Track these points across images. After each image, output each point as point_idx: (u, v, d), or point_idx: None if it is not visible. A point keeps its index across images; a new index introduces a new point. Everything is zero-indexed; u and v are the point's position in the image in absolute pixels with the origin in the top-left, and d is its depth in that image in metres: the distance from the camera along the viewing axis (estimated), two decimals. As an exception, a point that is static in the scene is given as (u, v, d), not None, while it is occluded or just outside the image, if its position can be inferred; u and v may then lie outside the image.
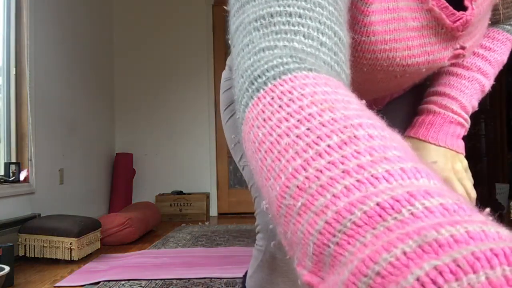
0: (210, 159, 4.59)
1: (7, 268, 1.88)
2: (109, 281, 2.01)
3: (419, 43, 0.61)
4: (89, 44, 3.91)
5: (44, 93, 3.00)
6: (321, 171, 0.26)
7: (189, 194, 4.35)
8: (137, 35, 4.62)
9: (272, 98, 0.33)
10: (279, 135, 0.30)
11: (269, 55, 0.37)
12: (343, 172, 0.26)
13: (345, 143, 0.27)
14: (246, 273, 0.86)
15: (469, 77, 0.76)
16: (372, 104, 0.82)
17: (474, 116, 3.19)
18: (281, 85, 0.33)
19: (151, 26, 4.63)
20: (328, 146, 0.27)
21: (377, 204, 0.23)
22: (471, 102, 0.76)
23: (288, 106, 0.31)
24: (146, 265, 2.29)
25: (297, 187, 0.27)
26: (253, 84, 0.35)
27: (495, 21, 0.77)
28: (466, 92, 0.76)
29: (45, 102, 3.03)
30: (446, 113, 0.75)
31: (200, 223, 3.93)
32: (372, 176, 0.25)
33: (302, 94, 0.31)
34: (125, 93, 4.59)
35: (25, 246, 2.48)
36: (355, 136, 0.28)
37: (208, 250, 2.69)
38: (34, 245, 2.48)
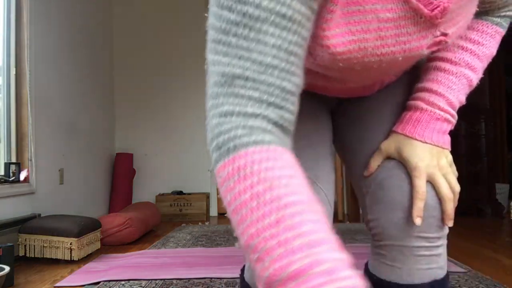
0: (210, 159, 4.58)
1: (7, 268, 1.88)
2: (109, 281, 2.01)
3: (394, 33, 0.61)
4: (89, 44, 3.91)
5: (44, 93, 3.00)
6: (264, 239, 0.45)
7: (189, 194, 4.35)
8: (137, 36, 4.62)
9: (233, 169, 0.49)
10: (240, 204, 0.47)
11: (228, 123, 0.50)
12: (277, 243, 0.44)
13: (278, 221, 0.44)
14: (244, 266, 0.89)
15: (456, 73, 0.77)
16: (362, 91, 0.83)
17: (474, 116, 3.22)
18: (238, 159, 0.49)
19: (151, 27, 4.63)
20: (269, 223, 0.45)
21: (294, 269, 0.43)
22: (458, 97, 0.77)
23: (244, 180, 0.47)
24: (146, 265, 2.29)
25: (253, 246, 0.46)
26: (219, 148, 0.51)
27: (485, 10, 0.77)
28: (453, 88, 0.76)
29: (45, 102, 3.03)
30: (433, 110, 0.76)
31: (200, 223, 3.93)
32: (291, 247, 0.43)
33: (251, 172, 0.47)
34: (125, 93, 4.59)
35: (25, 246, 2.48)
36: (283, 216, 0.45)
37: (208, 250, 2.69)
38: (34, 245, 2.48)
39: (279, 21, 0.49)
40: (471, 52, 0.77)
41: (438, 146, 0.76)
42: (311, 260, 0.42)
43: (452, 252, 2.54)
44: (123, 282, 1.98)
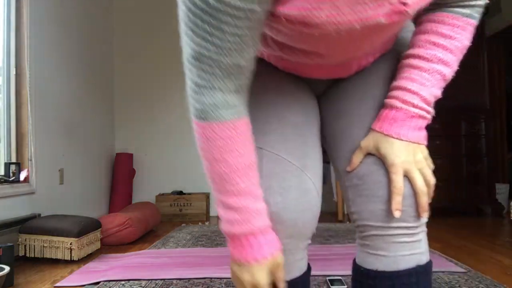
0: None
1: (7, 268, 1.88)
2: (109, 281, 2.00)
3: (349, 1, 0.63)
4: (89, 44, 3.91)
5: (44, 93, 3.00)
6: (219, 191, 0.76)
7: (189, 194, 4.35)
8: (137, 36, 4.62)
9: (203, 133, 0.73)
10: (204, 160, 0.76)
11: (199, 94, 0.70)
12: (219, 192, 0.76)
13: (230, 184, 0.74)
14: None
15: (429, 69, 0.79)
16: (341, 70, 0.87)
17: (474, 116, 3.22)
18: (206, 128, 0.71)
19: (151, 27, 4.63)
20: (217, 182, 0.76)
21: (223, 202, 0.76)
22: (433, 93, 0.80)
23: (209, 148, 0.73)
24: (146, 265, 2.29)
25: (216, 190, 0.77)
26: (194, 109, 0.72)
27: (453, 1, 0.79)
28: (427, 85, 0.79)
29: (45, 102, 3.03)
30: (407, 108, 0.78)
31: (200, 223, 3.93)
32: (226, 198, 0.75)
33: (218, 148, 0.72)
34: (125, 93, 4.59)
35: (25, 246, 2.48)
36: (235, 182, 0.74)
37: (208, 250, 2.69)
38: (34, 245, 2.48)
39: (234, 12, 0.60)
40: (443, 47, 0.79)
41: (414, 142, 0.78)
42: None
43: (452, 252, 2.53)
44: (123, 282, 1.98)
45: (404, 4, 0.67)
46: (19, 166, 2.76)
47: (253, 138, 0.75)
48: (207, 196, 4.39)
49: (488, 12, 4.30)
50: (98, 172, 4.02)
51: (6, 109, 2.76)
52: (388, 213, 0.79)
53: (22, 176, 2.76)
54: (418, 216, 0.80)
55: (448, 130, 4.04)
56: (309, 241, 0.86)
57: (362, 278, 0.85)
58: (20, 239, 2.48)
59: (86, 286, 1.96)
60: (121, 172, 4.25)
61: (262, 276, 0.74)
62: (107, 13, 4.48)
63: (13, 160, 2.77)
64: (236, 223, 0.74)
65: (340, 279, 1.90)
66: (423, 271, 0.82)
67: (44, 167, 2.95)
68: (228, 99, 0.69)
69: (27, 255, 2.47)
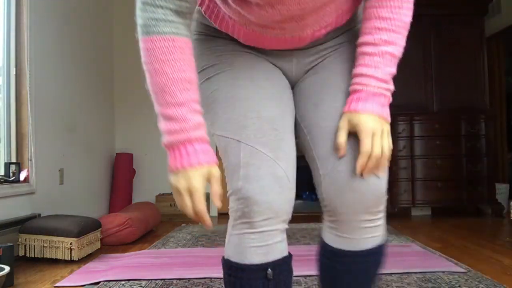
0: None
1: (7, 268, 1.88)
2: (109, 281, 2.01)
3: None
4: (89, 44, 3.91)
5: (44, 93, 3.00)
6: (160, 104, 0.86)
7: (189, 194, 4.34)
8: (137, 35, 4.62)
9: (146, 47, 0.85)
10: (147, 70, 0.87)
11: (144, 11, 0.85)
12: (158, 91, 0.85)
13: (170, 96, 0.83)
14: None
15: (378, 53, 0.89)
16: (298, 41, 0.95)
17: (474, 116, 3.24)
18: (149, 41, 0.84)
19: (151, 26, 4.63)
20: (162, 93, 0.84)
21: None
22: (387, 71, 0.90)
23: (150, 60, 0.85)
24: (146, 265, 2.29)
25: (157, 104, 0.86)
26: (140, 26, 0.86)
27: None
28: (380, 67, 0.89)
29: (45, 102, 3.03)
30: (367, 89, 0.88)
31: (200, 223, 3.93)
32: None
33: (160, 61, 0.82)
34: (125, 93, 4.58)
35: (25, 246, 2.48)
36: (174, 94, 0.82)
37: (208, 250, 2.69)
38: (34, 245, 2.48)
39: None
40: (386, 30, 0.89)
41: (379, 116, 0.88)
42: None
43: (452, 252, 2.53)
44: (123, 282, 1.98)
45: None
46: (19, 166, 2.76)
47: (196, 74, 0.87)
48: (207, 196, 4.38)
49: (488, 12, 4.31)
50: (98, 172, 4.02)
51: (6, 109, 2.76)
52: (355, 203, 0.89)
53: (22, 176, 2.76)
54: (379, 205, 0.91)
55: (448, 130, 4.04)
56: (287, 226, 0.92)
57: (330, 255, 0.99)
58: (20, 239, 2.48)
59: (86, 286, 1.96)
60: (121, 172, 4.25)
61: (197, 181, 0.84)
62: (107, 13, 4.48)
63: (13, 160, 2.77)
64: (175, 132, 0.84)
65: (340, 279, 1.90)
66: (380, 250, 0.96)
67: (44, 167, 2.95)
68: (168, 17, 0.82)
69: (27, 255, 2.47)
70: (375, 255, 0.96)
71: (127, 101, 4.58)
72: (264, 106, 0.93)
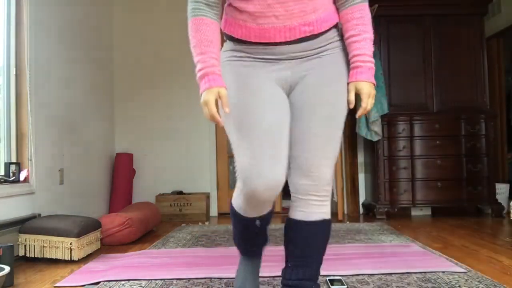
0: (210, 159, 4.59)
1: (7, 268, 1.88)
2: (109, 281, 2.01)
3: None
4: (89, 44, 3.91)
5: (44, 93, 3.00)
6: (195, 53, 1.40)
7: (189, 194, 4.35)
8: (136, 35, 4.62)
9: (191, 25, 1.41)
10: (191, 38, 1.41)
11: (191, 2, 1.42)
12: (197, 52, 1.40)
13: (199, 49, 1.39)
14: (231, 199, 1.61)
15: (362, 40, 1.40)
16: (288, 32, 1.38)
17: (474, 116, 3.24)
18: (191, 21, 1.41)
19: (151, 26, 4.63)
20: (195, 45, 1.40)
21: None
22: (370, 50, 1.41)
23: (192, 32, 1.41)
24: (146, 265, 2.29)
25: (194, 54, 1.40)
26: (189, 11, 1.42)
27: None
28: (366, 47, 1.40)
29: (45, 102, 3.03)
30: (365, 64, 1.40)
31: (200, 223, 3.93)
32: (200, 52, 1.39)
33: (196, 30, 1.40)
34: (125, 93, 4.59)
35: (25, 246, 2.48)
36: (201, 48, 1.39)
37: (208, 250, 2.69)
38: (34, 245, 2.48)
39: None
40: (361, 24, 1.41)
41: (371, 83, 1.40)
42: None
43: (452, 252, 2.53)
44: (123, 282, 1.98)
45: None
46: (19, 166, 2.76)
47: (218, 44, 1.41)
48: (207, 196, 4.39)
49: (488, 12, 4.31)
50: (98, 172, 4.02)
51: (6, 109, 2.76)
52: (308, 187, 1.40)
53: (22, 176, 2.76)
54: (326, 190, 1.42)
55: (448, 130, 4.04)
56: (274, 198, 1.42)
57: (289, 224, 1.48)
58: (20, 239, 2.48)
59: (86, 286, 1.96)
60: (121, 172, 4.25)
61: (209, 97, 1.34)
62: (107, 13, 4.48)
63: (13, 160, 2.77)
64: (200, 70, 1.39)
65: (340, 279, 1.90)
66: (324, 223, 1.45)
67: (44, 167, 2.95)
68: (200, 6, 1.40)
69: (27, 255, 2.47)
70: (320, 225, 1.44)
71: (127, 101, 4.58)
72: (264, 115, 1.39)
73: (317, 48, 1.43)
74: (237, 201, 1.52)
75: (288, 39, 1.39)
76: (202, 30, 1.38)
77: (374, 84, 1.40)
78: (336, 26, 1.47)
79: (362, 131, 4.05)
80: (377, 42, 4.10)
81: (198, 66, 1.38)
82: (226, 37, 1.51)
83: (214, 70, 1.37)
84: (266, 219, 1.55)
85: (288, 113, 1.43)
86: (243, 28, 1.41)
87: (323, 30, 1.41)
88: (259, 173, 1.32)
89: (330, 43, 1.45)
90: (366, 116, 4.02)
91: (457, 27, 4.20)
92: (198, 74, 1.38)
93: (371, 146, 4.23)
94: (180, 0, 4.64)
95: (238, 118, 1.39)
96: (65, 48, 3.40)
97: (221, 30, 1.46)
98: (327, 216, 1.45)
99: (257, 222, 1.53)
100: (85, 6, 3.85)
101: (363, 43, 1.39)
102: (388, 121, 4.05)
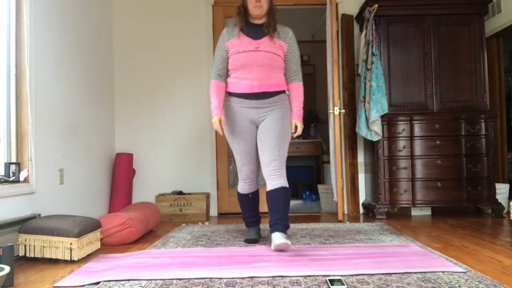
0: (210, 159, 4.59)
1: (7, 268, 1.88)
2: (109, 281, 2.01)
3: (247, 51, 2.80)
4: (89, 44, 3.91)
5: (44, 93, 3.00)
6: (211, 98, 2.87)
7: (189, 194, 4.35)
8: (137, 35, 4.62)
9: (212, 83, 2.88)
10: (211, 92, 2.88)
11: (212, 70, 2.92)
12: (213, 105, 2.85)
13: (213, 101, 2.84)
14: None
15: (298, 106, 2.87)
16: (257, 88, 2.77)
17: (474, 116, 3.25)
18: (212, 82, 2.88)
19: (151, 26, 4.63)
20: (212, 100, 2.85)
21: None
22: (301, 106, 2.88)
23: (211, 89, 2.87)
24: (146, 265, 2.29)
25: (211, 100, 2.87)
26: (212, 75, 2.91)
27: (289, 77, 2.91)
28: (301, 107, 2.88)
29: (45, 102, 3.03)
30: (299, 111, 2.86)
31: (200, 223, 3.93)
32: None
33: (212, 86, 2.86)
34: (125, 93, 4.59)
35: (25, 246, 2.48)
36: (213, 97, 2.85)
37: (208, 250, 2.69)
38: (34, 245, 2.48)
39: (218, 51, 2.89)
40: (298, 98, 2.89)
41: (302, 120, 2.87)
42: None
43: (452, 252, 2.53)
44: (123, 282, 1.98)
45: (257, 48, 2.76)
46: (19, 166, 2.76)
47: (222, 95, 2.86)
48: (207, 196, 4.39)
49: (488, 12, 4.31)
50: (98, 172, 4.02)
51: (6, 109, 2.76)
52: (271, 171, 2.69)
53: (22, 176, 2.76)
54: (280, 167, 2.71)
55: (448, 130, 4.04)
56: (253, 178, 2.94)
57: (268, 193, 2.71)
58: (20, 239, 2.48)
59: (86, 286, 1.96)
60: (121, 172, 4.25)
61: (215, 119, 2.75)
62: (107, 13, 4.48)
63: (13, 160, 2.77)
64: (213, 108, 2.80)
65: (340, 279, 1.90)
66: (283, 189, 2.67)
67: (44, 167, 2.95)
68: (215, 74, 2.86)
69: (27, 255, 2.47)
70: (282, 190, 2.66)
71: (127, 101, 4.58)
72: (245, 145, 2.84)
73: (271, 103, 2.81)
74: (239, 185, 2.96)
75: (257, 92, 2.78)
76: (214, 90, 2.81)
77: (302, 120, 2.87)
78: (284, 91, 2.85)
79: (362, 131, 4.05)
80: (377, 42, 4.10)
81: (211, 106, 2.80)
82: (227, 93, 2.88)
83: (217, 112, 2.77)
84: (253, 194, 2.96)
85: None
86: (237, 87, 2.82)
87: (276, 90, 2.82)
88: (246, 167, 2.88)
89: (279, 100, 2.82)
90: (366, 116, 4.02)
91: (457, 27, 4.20)
92: (211, 108, 2.80)
93: (371, 146, 4.23)
94: (180, 2, 4.66)
95: (230, 140, 2.91)
96: (65, 47, 3.39)
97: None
98: (284, 184, 2.67)
99: (249, 195, 2.95)
100: (85, 6, 3.85)
101: (299, 108, 2.85)
102: (388, 121, 4.05)
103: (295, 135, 2.82)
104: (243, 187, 2.93)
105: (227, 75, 2.85)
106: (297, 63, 2.87)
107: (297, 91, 2.83)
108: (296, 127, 2.80)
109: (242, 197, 2.97)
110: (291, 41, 2.82)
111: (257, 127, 2.81)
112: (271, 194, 2.67)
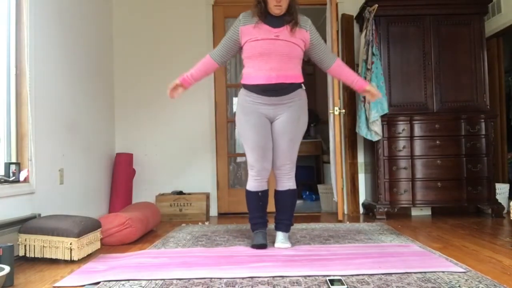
0: (210, 159, 4.59)
1: (7, 268, 1.88)
2: (109, 281, 2.01)
3: (265, 39, 2.66)
4: (89, 44, 3.91)
5: (44, 93, 3.00)
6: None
7: (189, 194, 4.35)
8: (137, 35, 4.62)
9: (203, 59, 2.84)
10: (194, 67, 2.83)
11: (215, 49, 2.84)
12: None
13: (191, 71, 2.81)
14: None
15: (355, 75, 2.81)
16: (274, 79, 2.62)
17: (474, 116, 3.26)
18: (205, 57, 2.83)
19: (151, 26, 4.63)
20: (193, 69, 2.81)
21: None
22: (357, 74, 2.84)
23: (197, 64, 2.83)
24: (146, 265, 2.29)
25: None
26: (211, 53, 2.82)
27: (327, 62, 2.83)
28: (356, 75, 2.80)
29: (45, 102, 3.03)
30: (361, 79, 2.84)
31: (200, 223, 3.93)
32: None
33: (200, 62, 2.82)
34: (125, 93, 4.59)
35: (25, 246, 2.48)
36: (194, 68, 2.81)
37: (208, 250, 2.69)
38: (34, 245, 2.48)
39: (228, 33, 2.76)
40: (350, 73, 2.81)
41: (367, 83, 2.84)
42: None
43: (452, 252, 2.53)
44: (123, 282, 1.98)
45: (277, 36, 2.63)
46: (19, 166, 2.76)
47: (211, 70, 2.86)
48: (207, 196, 4.39)
49: (488, 12, 4.31)
50: (98, 172, 4.02)
51: (6, 109, 2.76)
52: (282, 172, 2.77)
53: (22, 176, 2.76)
54: (291, 170, 2.77)
55: (448, 130, 4.04)
56: (266, 176, 2.77)
57: (276, 193, 2.82)
58: (20, 239, 2.48)
59: (86, 286, 1.96)
60: (121, 172, 4.25)
61: (179, 82, 2.77)
62: (107, 13, 4.48)
63: (13, 160, 2.77)
64: (185, 74, 2.76)
65: (340, 279, 1.90)
66: (291, 191, 2.79)
67: (44, 167, 2.95)
68: (215, 54, 2.78)
69: (27, 255, 2.47)
70: (290, 192, 2.78)
71: (127, 101, 4.58)
72: (258, 140, 2.69)
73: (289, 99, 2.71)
74: (249, 183, 2.78)
75: (275, 82, 2.65)
76: (203, 61, 2.78)
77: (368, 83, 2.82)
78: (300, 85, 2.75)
79: (362, 131, 4.05)
80: (377, 42, 4.10)
81: (189, 72, 2.77)
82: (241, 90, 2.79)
83: (190, 77, 2.77)
84: (263, 193, 2.78)
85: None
86: (252, 78, 2.68)
87: (293, 82, 2.70)
88: (258, 164, 2.72)
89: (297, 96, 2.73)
90: (366, 116, 4.02)
91: (457, 27, 4.20)
92: (186, 74, 2.78)
93: (371, 146, 4.23)
94: (180, 2, 4.66)
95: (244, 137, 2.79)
96: (65, 47, 3.39)
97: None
98: (293, 187, 2.78)
99: (259, 193, 2.77)
100: (85, 6, 3.85)
101: (356, 76, 2.80)
102: (388, 121, 4.04)
103: (379, 95, 2.78)
104: (253, 184, 2.74)
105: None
106: (326, 45, 2.83)
107: (344, 67, 2.78)
108: (370, 91, 2.73)
109: (251, 195, 2.77)
110: (311, 28, 2.76)
111: (271, 122, 2.72)
112: (280, 194, 2.79)
